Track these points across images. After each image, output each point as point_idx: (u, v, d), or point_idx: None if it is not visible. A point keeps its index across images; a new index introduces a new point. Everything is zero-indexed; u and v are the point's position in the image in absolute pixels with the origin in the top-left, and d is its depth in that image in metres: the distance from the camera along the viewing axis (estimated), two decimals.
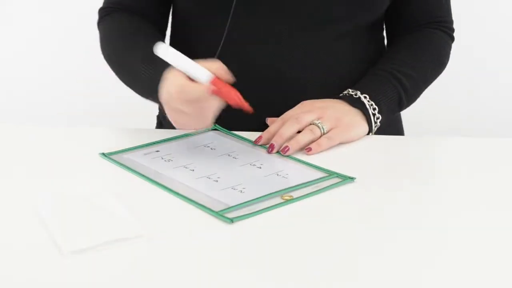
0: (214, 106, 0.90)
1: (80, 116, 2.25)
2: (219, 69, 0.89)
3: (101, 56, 1.15)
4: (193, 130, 1.02)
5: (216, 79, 0.87)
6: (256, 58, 1.07)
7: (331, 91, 1.07)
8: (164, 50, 0.90)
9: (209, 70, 0.88)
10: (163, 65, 0.93)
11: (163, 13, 1.18)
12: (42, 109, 2.26)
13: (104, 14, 1.17)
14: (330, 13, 1.06)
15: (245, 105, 0.88)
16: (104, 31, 1.15)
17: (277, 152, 0.96)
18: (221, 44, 1.05)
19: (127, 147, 0.97)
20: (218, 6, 1.06)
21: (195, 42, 1.12)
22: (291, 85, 1.07)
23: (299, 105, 1.04)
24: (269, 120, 1.04)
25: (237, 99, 0.87)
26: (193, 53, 1.10)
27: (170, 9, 1.19)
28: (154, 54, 0.93)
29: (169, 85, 0.92)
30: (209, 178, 0.87)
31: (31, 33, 2.25)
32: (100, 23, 1.18)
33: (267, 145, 0.97)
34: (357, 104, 1.03)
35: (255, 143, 0.99)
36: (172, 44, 1.19)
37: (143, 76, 1.01)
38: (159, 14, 1.18)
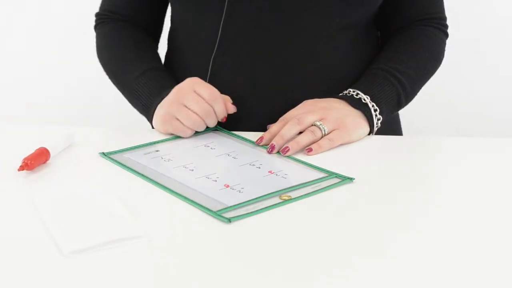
0: (220, 110, 1.01)
1: (80, 116, 2.25)
2: None
3: None
4: (186, 134, 1.02)
5: None
6: (252, 54, 1.07)
7: (331, 91, 1.07)
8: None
9: None
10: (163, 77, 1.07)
11: (157, 20, 1.22)
12: (42, 109, 2.26)
13: (100, 21, 1.20)
14: (321, 6, 1.04)
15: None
16: (100, 39, 1.20)
17: (277, 152, 0.96)
18: (215, 47, 1.07)
19: (127, 147, 0.97)
20: (211, 8, 1.06)
21: (192, 44, 1.13)
22: (289, 85, 1.07)
23: (301, 105, 1.04)
24: (269, 126, 1.04)
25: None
26: (190, 55, 1.12)
27: (164, 16, 1.22)
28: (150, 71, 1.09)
29: (188, 81, 1.03)
30: (208, 178, 0.87)
31: (31, 33, 2.25)
32: (96, 28, 1.21)
33: (268, 146, 0.97)
34: (359, 105, 1.03)
35: (256, 143, 0.99)
36: (170, 47, 1.21)
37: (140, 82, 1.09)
38: (154, 22, 1.22)
